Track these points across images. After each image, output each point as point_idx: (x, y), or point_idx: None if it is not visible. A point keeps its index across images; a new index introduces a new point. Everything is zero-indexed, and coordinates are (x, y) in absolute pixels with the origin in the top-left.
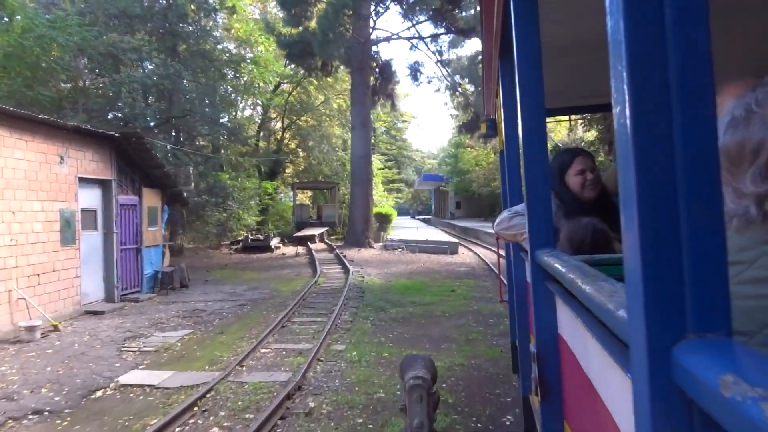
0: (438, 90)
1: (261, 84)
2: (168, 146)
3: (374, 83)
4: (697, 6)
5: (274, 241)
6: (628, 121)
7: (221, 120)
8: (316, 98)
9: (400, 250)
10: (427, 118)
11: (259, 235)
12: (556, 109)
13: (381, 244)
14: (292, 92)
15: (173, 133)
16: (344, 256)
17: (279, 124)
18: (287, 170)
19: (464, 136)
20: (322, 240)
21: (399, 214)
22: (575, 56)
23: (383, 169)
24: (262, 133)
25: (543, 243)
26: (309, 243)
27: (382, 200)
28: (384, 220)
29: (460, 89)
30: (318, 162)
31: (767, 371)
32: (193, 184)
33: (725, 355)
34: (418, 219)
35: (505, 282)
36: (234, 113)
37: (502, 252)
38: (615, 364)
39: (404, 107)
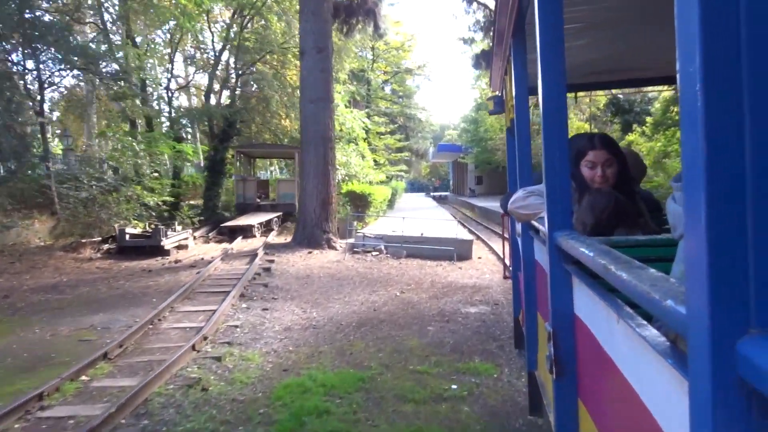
0: None
1: (189, 5)
2: None
3: None
4: None
5: (175, 238)
6: (698, 115)
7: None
8: (282, 34)
9: (375, 253)
10: (444, 78)
11: (147, 230)
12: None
13: (350, 241)
14: (245, 24)
15: None
16: (265, 270)
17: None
18: (246, 132)
19: (483, 76)
20: (267, 232)
21: (413, 190)
22: (590, 35)
23: (385, 134)
24: (216, 85)
25: (561, 225)
26: (243, 238)
27: (369, 173)
28: (361, 203)
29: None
30: (280, 118)
31: None
32: None
33: None
34: (433, 196)
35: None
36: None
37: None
38: (649, 347)
39: (413, 58)
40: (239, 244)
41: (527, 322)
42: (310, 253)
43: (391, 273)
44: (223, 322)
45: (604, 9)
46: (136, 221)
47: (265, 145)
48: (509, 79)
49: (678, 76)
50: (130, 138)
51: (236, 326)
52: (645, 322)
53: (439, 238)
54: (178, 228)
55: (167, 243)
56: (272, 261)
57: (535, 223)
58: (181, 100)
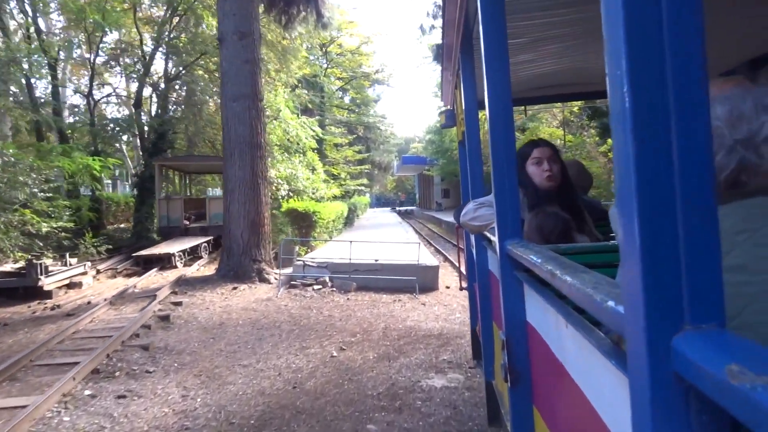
0: None
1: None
2: None
3: None
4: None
5: (63, 275)
6: (626, 120)
7: None
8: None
9: (317, 287)
10: (408, 91)
11: (22, 266)
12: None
13: (288, 271)
14: (177, 22)
15: None
16: (162, 319)
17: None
18: (182, 144)
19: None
20: (194, 261)
21: (379, 205)
22: (536, 49)
23: (343, 146)
24: (151, 93)
25: (511, 234)
26: (159, 270)
27: (320, 188)
28: (305, 223)
29: None
30: (218, 127)
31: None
32: None
33: (725, 345)
34: (398, 211)
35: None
36: None
37: (461, 244)
38: (594, 350)
39: (372, 63)
40: (151, 278)
41: (483, 331)
42: (235, 289)
43: (333, 315)
44: None
45: (547, 24)
46: (20, 254)
47: (194, 157)
48: (459, 93)
49: (608, 90)
50: (9, 150)
51: None
52: (591, 326)
53: (398, 265)
54: (72, 261)
55: (48, 282)
56: (179, 303)
57: (488, 234)
58: (123, 112)
